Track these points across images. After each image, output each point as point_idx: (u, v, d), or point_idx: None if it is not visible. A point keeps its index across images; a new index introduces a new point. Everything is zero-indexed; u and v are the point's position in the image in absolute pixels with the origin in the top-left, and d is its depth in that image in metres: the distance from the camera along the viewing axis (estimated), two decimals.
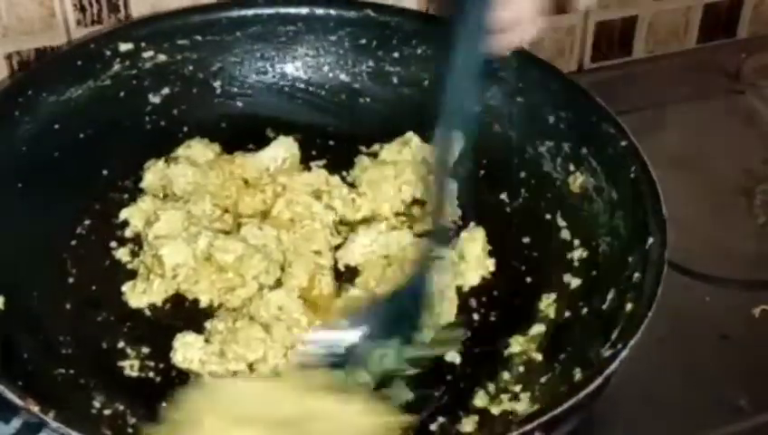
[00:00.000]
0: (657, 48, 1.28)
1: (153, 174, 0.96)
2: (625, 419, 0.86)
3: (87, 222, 0.93)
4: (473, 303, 0.89)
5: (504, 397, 0.80)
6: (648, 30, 1.27)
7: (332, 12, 1.04)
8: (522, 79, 1.00)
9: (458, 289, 0.89)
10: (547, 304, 0.88)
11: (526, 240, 0.94)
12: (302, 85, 1.05)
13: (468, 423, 0.79)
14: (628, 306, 0.81)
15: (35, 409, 0.73)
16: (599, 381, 0.75)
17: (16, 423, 0.82)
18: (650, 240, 0.84)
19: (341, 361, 0.79)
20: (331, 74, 1.05)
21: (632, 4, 1.24)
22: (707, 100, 1.19)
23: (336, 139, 1.02)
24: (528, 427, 0.73)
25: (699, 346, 0.91)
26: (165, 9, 1.06)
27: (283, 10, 1.04)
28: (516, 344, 0.85)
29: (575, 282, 0.88)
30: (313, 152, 1.00)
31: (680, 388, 0.88)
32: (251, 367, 0.82)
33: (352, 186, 0.96)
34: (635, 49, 1.28)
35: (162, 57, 1.02)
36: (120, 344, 0.84)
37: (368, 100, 1.05)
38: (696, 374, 0.89)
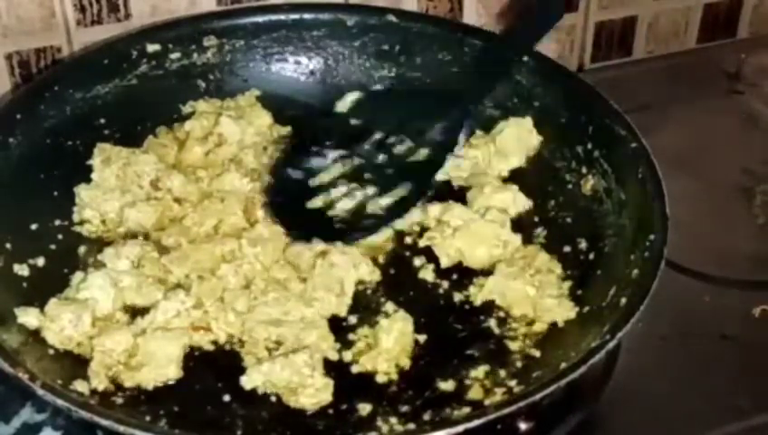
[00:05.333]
0: (657, 48, 1.28)
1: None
2: (625, 419, 0.86)
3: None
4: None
5: (499, 391, 0.80)
6: (648, 30, 1.27)
7: (356, 17, 1.05)
8: (536, 81, 1.00)
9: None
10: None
11: (537, 241, 0.94)
12: (326, 89, 1.06)
13: (460, 414, 0.79)
14: (623, 301, 0.81)
15: (24, 377, 0.74)
16: (582, 369, 0.76)
17: (16, 423, 0.82)
18: (652, 237, 0.84)
19: None
20: (354, 78, 1.06)
21: (632, 4, 1.24)
22: (707, 100, 1.19)
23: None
24: (506, 411, 0.74)
25: (699, 346, 0.91)
26: (165, 9, 1.07)
27: (307, 15, 1.05)
28: (516, 343, 0.85)
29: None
30: None
31: (680, 387, 0.88)
32: None
33: None
34: (635, 49, 1.28)
35: (188, 59, 1.03)
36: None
37: (390, 103, 1.05)
38: (696, 374, 0.89)
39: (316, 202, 0.94)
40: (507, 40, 1.03)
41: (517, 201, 0.95)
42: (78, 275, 0.87)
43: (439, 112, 0.98)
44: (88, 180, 0.95)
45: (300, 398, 0.80)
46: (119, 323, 0.84)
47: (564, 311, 0.85)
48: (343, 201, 0.94)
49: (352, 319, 0.87)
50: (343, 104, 1.01)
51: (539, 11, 1.01)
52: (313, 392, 0.80)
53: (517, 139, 0.99)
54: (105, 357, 0.81)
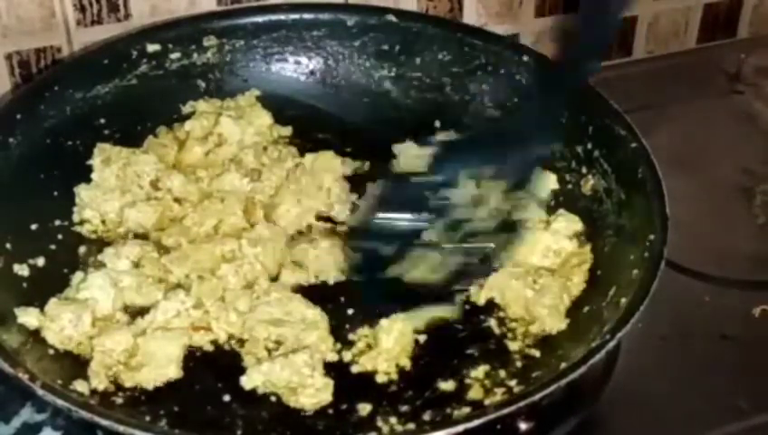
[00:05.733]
0: (657, 48, 1.28)
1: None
2: (625, 419, 0.86)
3: None
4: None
5: (499, 390, 0.81)
6: (648, 30, 1.27)
7: (356, 17, 1.05)
8: (536, 81, 1.00)
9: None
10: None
11: None
12: (326, 89, 1.06)
13: (460, 414, 0.79)
14: (623, 301, 0.81)
15: (24, 377, 0.74)
16: (582, 369, 0.76)
17: (16, 423, 0.82)
18: (652, 237, 0.84)
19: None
20: (354, 78, 1.06)
21: (632, 5, 1.24)
22: (707, 100, 1.19)
23: (357, 142, 1.02)
24: (506, 411, 0.74)
25: (699, 346, 0.91)
26: (165, 9, 1.07)
27: (307, 15, 1.05)
28: (516, 343, 0.85)
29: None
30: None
31: (680, 388, 0.88)
32: None
33: None
34: (635, 49, 1.28)
35: (188, 59, 1.03)
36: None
37: (390, 104, 1.05)
38: (696, 374, 0.89)
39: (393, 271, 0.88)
40: (562, 67, 0.92)
41: (546, 181, 0.96)
42: (78, 275, 0.87)
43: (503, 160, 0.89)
44: (88, 180, 0.95)
45: (300, 398, 0.80)
46: (119, 323, 0.85)
47: (555, 322, 0.85)
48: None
49: (353, 319, 0.87)
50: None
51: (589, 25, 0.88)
52: (313, 392, 0.80)
53: None
54: (105, 357, 0.81)
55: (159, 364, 0.81)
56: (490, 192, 0.94)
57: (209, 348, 0.84)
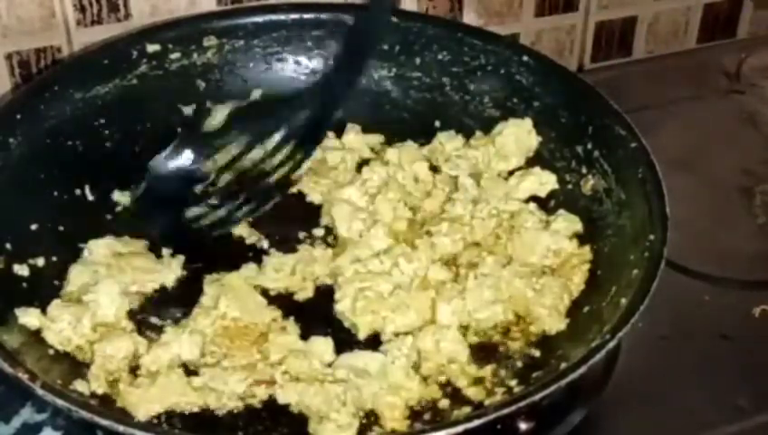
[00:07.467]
0: (657, 48, 1.29)
1: None
2: (625, 419, 0.86)
3: (108, 217, 0.95)
4: None
5: (499, 391, 0.81)
6: (648, 30, 1.27)
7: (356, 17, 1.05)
8: (536, 81, 1.00)
9: None
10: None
11: None
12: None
13: (460, 414, 0.79)
14: (623, 301, 0.81)
15: (24, 377, 0.74)
16: (582, 369, 0.76)
17: (16, 423, 0.82)
18: (651, 237, 0.84)
19: None
20: None
21: (632, 4, 1.24)
22: (707, 100, 1.19)
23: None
24: (506, 411, 0.74)
25: (699, 346, 0.91)
26: (165, 9, 1.07)
27: (307, 15, 1.05)
28: (516, 343, 0.85)
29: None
30: None
31: (680, 388, 0.88)
32: None
33: None
34: (635, 49, 1.28)
35: (188, 59, 1.03)
36: None
37: (390, 104, 1.06)
38: (696, 374, 0.89)
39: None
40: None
41: (544, 181, 0.96)
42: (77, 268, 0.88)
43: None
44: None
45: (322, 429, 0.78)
46: (123, 330, 0.84)
47: (554, 322, 0.85)
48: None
49: None
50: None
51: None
52: (334, 428, 0.78)
53: (516, 140, 0.99)
54: (106, 362, 0.81)
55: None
56: (490, 191, 0.95)
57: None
